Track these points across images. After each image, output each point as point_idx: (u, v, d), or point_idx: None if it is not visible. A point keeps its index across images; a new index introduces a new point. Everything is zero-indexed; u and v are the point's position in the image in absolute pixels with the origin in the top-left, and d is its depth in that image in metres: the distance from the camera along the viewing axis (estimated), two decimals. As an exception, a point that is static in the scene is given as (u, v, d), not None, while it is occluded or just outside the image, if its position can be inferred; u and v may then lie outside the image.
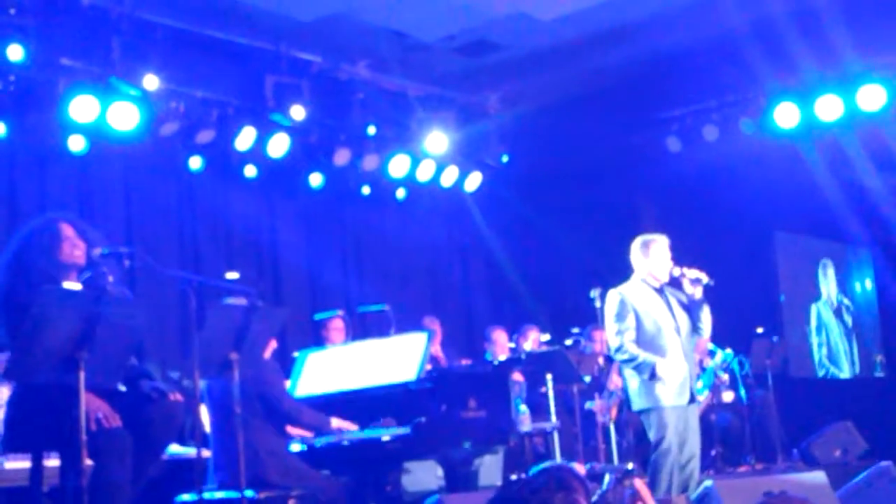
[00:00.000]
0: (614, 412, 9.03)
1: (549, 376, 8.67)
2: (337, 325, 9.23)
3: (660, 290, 7.57)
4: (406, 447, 6.46)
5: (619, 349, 7.45)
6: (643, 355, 7.32)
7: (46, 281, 4.99)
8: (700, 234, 11.00)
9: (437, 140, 11.28)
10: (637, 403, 7.44)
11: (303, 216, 11.42)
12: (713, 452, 9.77)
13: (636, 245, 7.66)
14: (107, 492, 4.94)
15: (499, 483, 8.50)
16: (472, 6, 9.70)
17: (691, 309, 7.54)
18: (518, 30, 10.23)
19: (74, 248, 5.20)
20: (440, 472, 7.98)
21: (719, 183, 11.59)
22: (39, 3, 8.52)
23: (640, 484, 5.54)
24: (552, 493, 3.32)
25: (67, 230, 5.25)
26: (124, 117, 9.22)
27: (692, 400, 7.47)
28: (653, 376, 7.29)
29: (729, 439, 10.39)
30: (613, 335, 7.48)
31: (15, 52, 8.31)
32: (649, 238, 7.65)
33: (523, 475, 8.52)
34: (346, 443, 6.51)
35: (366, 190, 11.55)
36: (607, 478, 7.93)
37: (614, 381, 9.15)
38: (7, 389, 5.83)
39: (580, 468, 8.13)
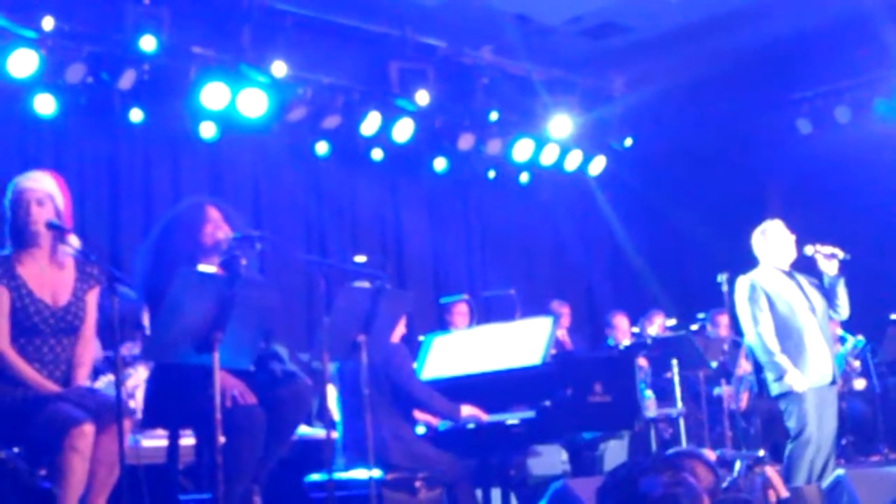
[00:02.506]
0: (744, 399, 8.89)
1: (674, 361, 8.59)
2: (462, 310, 9.26)
3: (789, 274, 7.44)
4: (531, 431, 6.47)
5: (756, 340, 7.30)
6: (779, 357, 7.18)
7: (186, 262, 5.11)
8: (830, 219, 10.73)
9: (562, 124, 11.24)
10: (775, 388, 7.29)
11: (427, 200, 11.48)
12: (844, 441, 9.55)
13: (756, 235, 7.55)
14: (240, 469, 5.05)
15: (624, 468, 8.47)
16: (597, -12, 9.64)
17: (826, 289, 7.39)
18: (644, 11, 10.13)
19: (217, 231, 5.31)
20: (565, 456, 7.99)
21: (851, 166, 11.29)
22: (171, -8, 8.74)
23: (771, 472, 5.47)
24: (660, 471, 3.30)
25: (213, 213, 5.37)
26: (253, 104, 9.39)
27: (833, 381, 7.32)
28: (779, 379, 7.16)
29: (860, 428, 10.15)
30: (749, 322, 7.35)
31: (149, 43, 8.52)
32: (766, 226, 7.55)
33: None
34: (471, 426, 6.54)
35: (490, 174, 11.56)
36: (738, 465, 7.81)
37: (743, 367, 9.00)
38: (145, 369, 6.01)
39: (710, 454, 8.03)
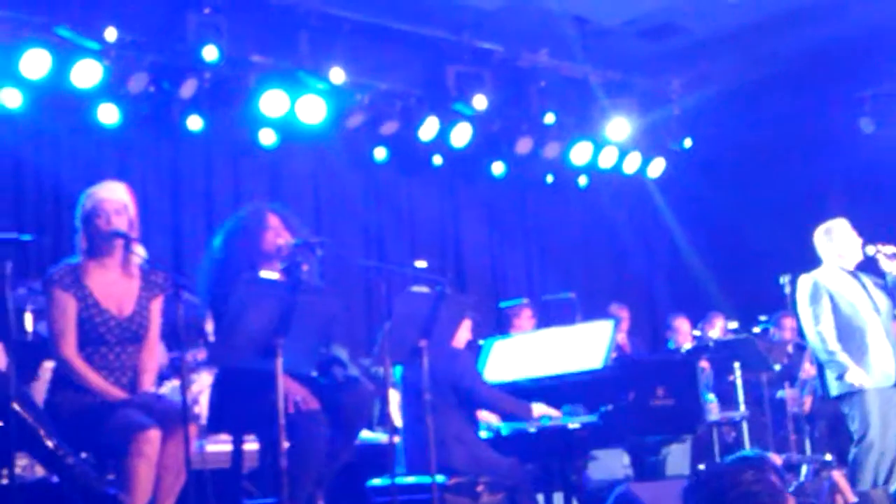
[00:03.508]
0: (808, 403, 8.79)
1: (737, 364, 8.52)
2: (522, 314, 9.25)
3: (853, 274, 7.36)
4: (593, 435, 6.45)
5: (817, 339, 7.23)
6: (840, 355, 7.10)
7: (248, 269, 5.16)
8: (893, 218, 10.58)
9: (620, 126, 11.19)
10: (835, 388, 7.20)
11: (485, 205, 11.48)
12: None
13: (819, 234, 7.47)
14: (304, 474, 5.08)
15: (686, 472, 8.41)
16: (654, -11, 9.59)
17: (891, 289, 7.29)
18: (702, 12, 10.05)
19: (278, 238, 5.35)
20: (627, 460, 7.94)
21: (915, 165, 11.13)
22: (230, 1, 8.81)
23: (838, 476, 5.41)
24: (742, 471, 3.29)
25: (273, 219, 5.42)
26: (312, 110, 9.46)
27: (890, 384, 7.21)
28: (840, 377, 7.08)
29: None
30: (810, 321, 7.28)
31: (210, 52, 8.61)
32: (830, 224, 7.45)
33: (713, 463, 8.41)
34: (532, 430, 6.53)
35: (548, 178, 11.54)
36: (804, 469, 7.75)
37: (806, 371, 8.91)
38: (209, 375, 6.07)
39: (776, 458, 7.96)
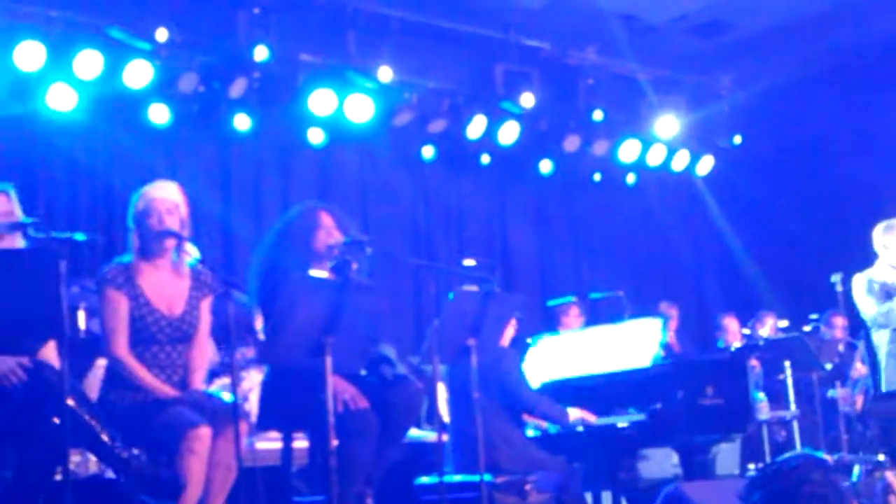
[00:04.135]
0: (860, 402, 8.70)
1: (787, 363, 8.45)
2: (570, 312, 9.23)
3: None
4: (642, 434, 6.44)
5: (886, 315, 7.16)
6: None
7: (298, 268, 5.19)
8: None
9: (668, 124, 11.14)
10: (892, 382, 7.13)
11: (533, 203, 11.47)
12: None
13: (878, 230, 7.39)
14: (353, 471, 5.11)
15: (736, 472, 8.36)
16: (703, -14, 9.53)
17: None
18: (751, 8, 9.98)
19: (329, 237, 5.38)
20: (675, 459, 7.90)
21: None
22: (279, 0, 8.86)
23: (892, 476, 5.36)
24: (810, 471, 3.28)
25: (325, 218, 5.45)
26: (360, 109, 9.49)
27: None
28: (857, 379, 7.02)
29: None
30: (870, 307, 7.21)
31: (261, 52, 8.67)
32: (891, 222, 7.37)
33: (761, 464, 8.36)
34: (581, 429, 6.52)
35: (596, 176, 11.50)
36: (857, 469, 7.66)
37: (858, 370, 8.82)
38: (259, 373, 6.12)
39: (828, 458, 7.89)
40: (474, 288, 6.17)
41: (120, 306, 5.04)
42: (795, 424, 8.64)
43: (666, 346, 9.43)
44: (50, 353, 4.84)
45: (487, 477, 5.78)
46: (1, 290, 4.15)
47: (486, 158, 10.70)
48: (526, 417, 6.65)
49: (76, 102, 8.40)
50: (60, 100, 8.32)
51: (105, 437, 4.68)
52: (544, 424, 6.67)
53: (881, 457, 8.31)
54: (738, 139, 11.70)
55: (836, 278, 7.97)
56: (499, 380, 6.35)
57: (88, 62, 8.22)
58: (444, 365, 6.32)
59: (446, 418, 6.75)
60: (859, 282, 7.29)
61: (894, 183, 11.58)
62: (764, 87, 11.24)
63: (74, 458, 5.44)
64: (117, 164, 8.75)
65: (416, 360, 7.74)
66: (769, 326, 9.97)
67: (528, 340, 7.43)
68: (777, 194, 12.07)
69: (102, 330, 5.12)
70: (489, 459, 6.00)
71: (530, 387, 6.64)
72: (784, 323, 9.83)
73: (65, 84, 8.28)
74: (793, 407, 8.44)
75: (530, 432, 6.67)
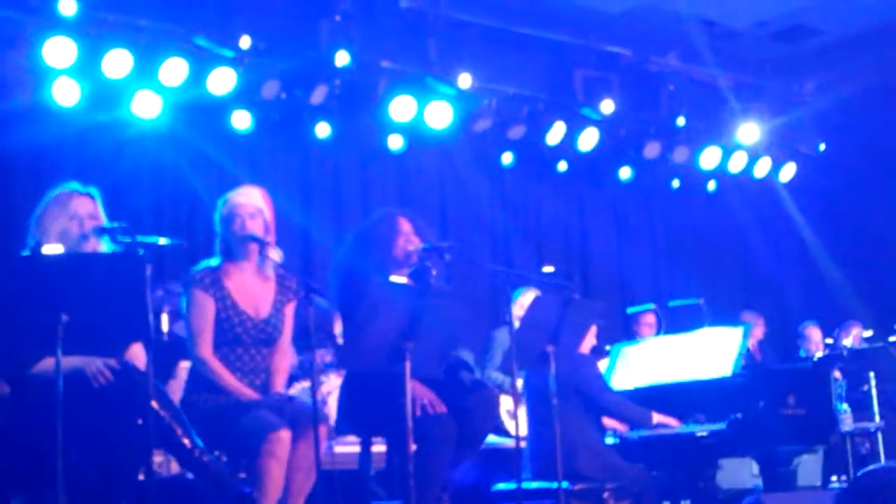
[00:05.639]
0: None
1: (871, 374, 8.31)
2: (649, 320, 9.18)
3: None
4: (721, 443, 6.37)
5: None
6: None
7: (378, 273, 5.24)
8: None
9: (750, 130, 11.02)
10: None
11: (612, 210, 11.41)
12: None
13: None
14: (431, 476, 5.13)
15: (818, 483, 8.23)
16: (785, -10, 9.43)
17: None
18: (834, 12, 9.87)
19: (408, 243, 5.42)
20: (756, 469, 7.81)
21: None
22: (361, 8, 8.93)
23: (978, 490, 5.22)
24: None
25: (405, 225, 5.49)
26: (440, 115, 9.53)
27: None
28: None
29: None
30: None
31: (342, 58, 8.74)
32: None
33: (844, 476, 8.23)
34: (660, 437, 6.48)
35: (675, 183, 11.41)
36: (940, 482, 7.50)
37: (944, 381, 8.65)
38: (338, 377, 6.17)
39: (913, 471, 7.74)
40: (535, 293, 6.16)
41: (206, 308, 5.12)
42: (880, 436, 8.48)
43: (748, 356, 9.34)
44: (136, 354, 4.92)
45: (565, 484, 5.77)
46: (89, 293, 4.23)
47: (564, 165, 10.68)
48: (606, 422, 6.61)
49: (161, 109, 8.53)
50: (146, 106, 8.46)
51: (186, 441, 4.75)
52: (624, 429, 6.63)
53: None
54: (821, 146, 11.54)
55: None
56: (578, 385, 6.32)
57: (174, 69, 8.35)
58: (522, 371, 6.32)
59: (509, 426, 6.76)
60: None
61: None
62: (847, 92, 11.09)
63: (157, 458, 5.53)
64: (200, 170, 8.87)
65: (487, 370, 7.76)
66: (853, 336, 9.82)
67: (607, 348, 7.40)
68: (860, 201, 11.89)
69: (188, 331, 5.21)
70: (569, 466, 5.98)
71: (612, 391, 6.61)
72: (868, 333, 9.68)
73: (151, 91, 8.42)
74: (877, 418, 8.29)
75: (609, 440, 6.63)
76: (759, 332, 10.10)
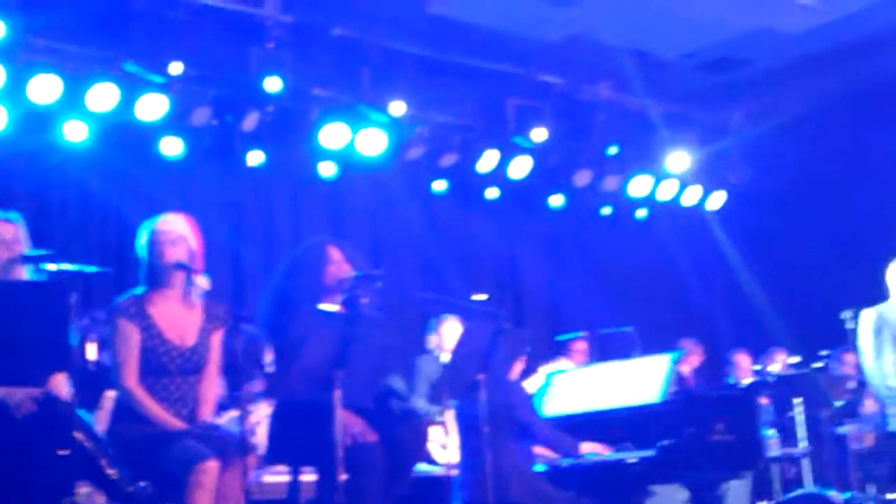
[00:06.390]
0: (870, 439, 8.65)
1: (798, 400, 8.42)
2: (579, 347, 9.22)
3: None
4: (651, 470, 6.41)
5: (877, 373, 7.14)
6: None
7: (309, 302, 5.21)
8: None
9: (680, 159, 11.17)
10: (894, 423, 7.10)
11: (544, 237, 11.48)
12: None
13: (892, 268, 7.36)
14: (361, 506, 5.10)
15: (746, 509, 8.31)
16: (714, 22, 9.56)
17: None
18: (763, 45, 10.03)
19: (339, 271, 5.40)
20: (685, 495, 7.87)
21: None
22: (293, 35, 8.92)
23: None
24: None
25: (335, 253, 5.47)
26: (372, 143, 9.54)
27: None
28: (868, 417, 6.99)
29: None
30: (870, 354, 7.18)
31: (273, 84, 8.72)
32: None
33: (772, 502, 8.32)
34: (590, 464, 6.50)
35: (606, 210, 11.51)
36: (866, 507, 7.62)
37: (868, 406, 8.78)
38: (267, 406, 6.12)
39: (837, 497, 7.84)
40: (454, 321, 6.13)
41: (131, 337, 5.06)
42: (806, 462, 8.59)
43: (682, 382, 9.43)
44: (59, 384, 4.85)
45: (496, 512, 5.76)
46: (12, 321, 4.18)
47: (496, 192, 10.73)
48: (536, 450, 6.63)
49: (90, 135, 8.45)
50: (75, 132, 8.38)
51: (111, 472, 4.68)
52: (555, 457, 6.65)
53: (892, 495, 8.26)
54: (748, 175, 11.71)
55: (846, 315, 7.93)
56: (510, 413, 6.34)
57: (103, 95, 8.28)
58: (454, 400, 6.32)
59: (437, 455, 6.75)
60: (867, 318, 7.26)
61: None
62: (775, 122, 11.27)
63: (83, 489, 5.44)
64: (130, 197, 8.79)
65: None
66: (780, 363, 9.95)
67: (543, 375, 7.43)
68: (788, 230, 12.06)
69: (113, 361, 5.14)
70: (498, 495, 5.98)
71: (542, 419, 6.63)
72: (795, 359, 9.80)
73: (79, 116, 8.34)
74: (803, 444, 8.40)
75: (540, 467, 6.65)
76: (695, 360, 10.19)
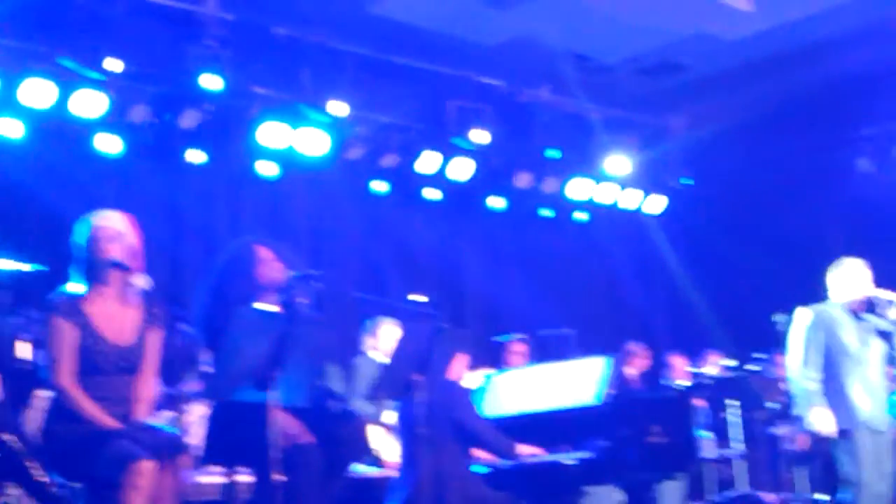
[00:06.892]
0: (803, 441, 8.77)
1: (732, 402, 8.53)
2: (518, 349, 9.25)
3: (855, 314, 7.34)
4: (588, 471, 6.44)
5: (799, 373, 7.25)
6: (814, 394, 7.12)
7: (242, 302, 5.18)
8: (891, 257, 10.61)
9: (619, 163, 11.25)
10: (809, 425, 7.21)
11: (484, 239, 11.51)
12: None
13: (832, 269, 7.46)
14: (296, 507, 5.08)
15: (681, 510, 8.39)
16: (655, 28, 9.65)
17: (889, 335, 7.29)
18: (703, 51, 10.13)
19: (272, 271, 5.37)
20: (621, 496, 7.93)
21: (912, 205, 11.15)
22: (234, 34, 8.87)
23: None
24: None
25: (262, 252, 5.44)
26: (312, 143, 9.51)
27: (882, 429, 7.20)
28: (800, 418, 7.12)
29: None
30: (797, 352, 7.29)
31: (212, 82, 8.66)
32: (848, 260, 7.45)
33: (706, 503, 8.40)
34: (527, 465, 6.53)
35: (546, 213, 11.57)
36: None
37: (802, 409, 8.90)
38: (203, 406, 6.08)
39: (769, 498, 7.95)
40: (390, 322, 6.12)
41: (66, 335, 4.99)
42: (740, 463, 8.70)
43: (626, 385, 9.49)
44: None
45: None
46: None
47: (437, 194, 10.74)
48: (475, 452, 6.65)
49: (26, 131, 8.34)
50: (10, 129, 8.27)
51: (39, 474, 4.62)
52: (493, 459, 6.67)
53: (823, 496, 8.38)
54: (687, 180, 11.83)
55: (780, 318, 8.04)
56: (448, 415, 6.35)
57: (38, 91, 8.18)
58: (391, 400, 6.32)
59: (383, 454, 6.74)
60: (803, 317, 7.35)
61: (840, 224, 11.76)
62: (715, 128, 11.40)
63: (13, 491, 5.36)
64: (67, 194, 8.67)
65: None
66: (715, 365, 10.05)
67: (482, 376, 7.44)
68: (726, 234, 12.19)
69: (48, 359, 5.06)
70: (436, 495, 5.99)
71: (481, 420, 6.64)
72: (730, 362, 9.91)
73: (14, 113, 8.23)
74: (737, 445, 8.50)
75: (478, 468, 6.66)
76: (642, 363, 10.25)
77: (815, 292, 7.65)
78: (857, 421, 7.08)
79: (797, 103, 11.15)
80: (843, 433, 7.10)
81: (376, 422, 6.99)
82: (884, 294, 7.26)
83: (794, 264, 11.44)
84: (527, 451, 6.51)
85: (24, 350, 6.67)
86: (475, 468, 6.64)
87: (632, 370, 10.10)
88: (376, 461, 6.98)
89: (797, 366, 7.27)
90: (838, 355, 7.21)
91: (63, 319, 5.01)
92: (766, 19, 9.55)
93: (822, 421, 7.08)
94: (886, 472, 7.13)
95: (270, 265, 5.39)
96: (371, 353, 7.89)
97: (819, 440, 7.83)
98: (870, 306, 7.34)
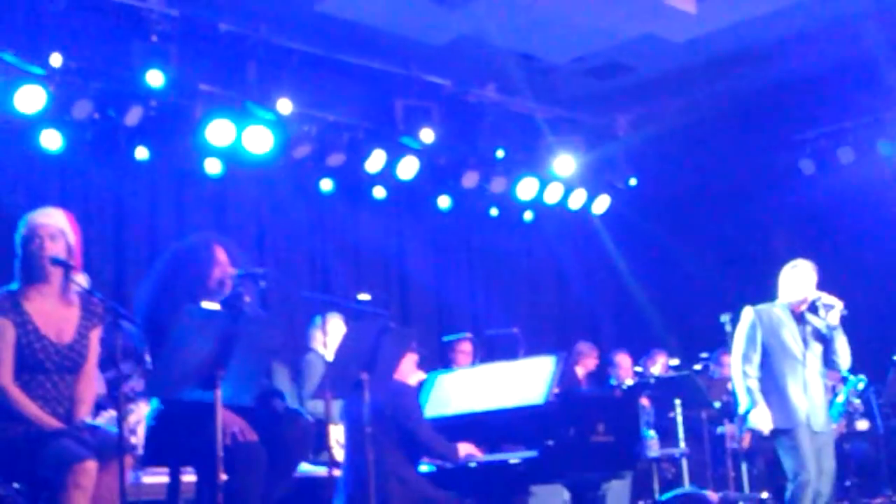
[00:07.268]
0: (747, 439, 8.87)
1: (677, 401, 8.59)
2: (465, 348, 9.27)
3: (799, 316, 7.42)
4: (533, 470, 6.45)
5: (738, 371, 7.33)
6: (754, 392, 7.21)
7: (190, 299, 5.12)
8: (834, 259, 10.74)
9: (566, 163, 11.29)
10: (777, 420, 7.27)
11: (431, 238, 11.50)
12: (847, 483, 9.51)
13: (783, 270, 7.54)
14: (241, 507, 5.03)
15: (626, 508, 8.43)
16: (601, 28, 9.69)
17: (827, 338, 7.37)
18: (648, 52, 10.19)
19: (223, 274, 5.30)
20: (567, 496, 7.96)
21: (855, 206, 11.30)
22: (179, 30, 8.78)
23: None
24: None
25: (221, 254, 5.36)
26: (258, 140, 9.43)
27: (820, 429, 7.28)
28: (743, 417, 7.21)
29: (863, 470, 10.10)
30: (739, 351, 7.37)
31: (156, 78, 8.57)
32: (796, 262, 7.53)
33: (650, 501, 8.46)
34: (473, 465, 6.53)
35: (493, 212, 11.59)
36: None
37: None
38: (147, 405, 6.02)
39: (713, 496, 8.01)
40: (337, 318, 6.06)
41: (6, 334, 4.91)
42: (685, 462, 8.76)
43: (575, 385, 9.53)
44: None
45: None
46: None
47: (384, 192, 10.71)
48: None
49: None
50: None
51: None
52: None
53: (765, 494, 8.48)
54: (633, 180, 11.90)
55: (725, 318, 8.10)
56: (393, 414, 6.33)
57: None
58: (336, 399, 6.29)
59: (338, 454, 6.71)
60: (747, 316, 7.42)
61: (783, 224, 11.90)
62: (660, 129, 11.47)
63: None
64: (7, 190, 8.56)
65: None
66: (660, 364, 10.13)
67: (425, 376, 7.43)
68: (671, 234, 12.30)
69: (-15, 358, 4.98)
70: (381, 495, 5.97)
71: (427, 423, 6.62)
72: (675, 361, 10.00)
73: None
74: (682, 444, 8.56)
75: (424, 468, 6.65)
76: (590, 363, 10.30)
77: (759, 292, 7.73)
78: (796, 420, 7.17)
79: (742, 105, 11.26)
80: (784, 432, 7.18)
81: (336, 422, 6.93)
82: (826, 297, 7.34)
83: (739, 264, 11.61)
84: (467, 452, 6.50)
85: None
86: (423, 468, 6.63)
87: (580, 370, 10.16)
88: (332, 461, 6.94)
89: (738, 364, 7.35)
90: (779, 355, 7.30)
91: (1, 317, 4.93)
92: (711, 22, 9.63)
93: (760, 419, 7.16)
94: (826, 471, 7.22)
95: (223, 268, 5.32)
96: (320, 350, 7.84)
97: (761, 438, 7.91)
98: (812, 308, 7.42)
